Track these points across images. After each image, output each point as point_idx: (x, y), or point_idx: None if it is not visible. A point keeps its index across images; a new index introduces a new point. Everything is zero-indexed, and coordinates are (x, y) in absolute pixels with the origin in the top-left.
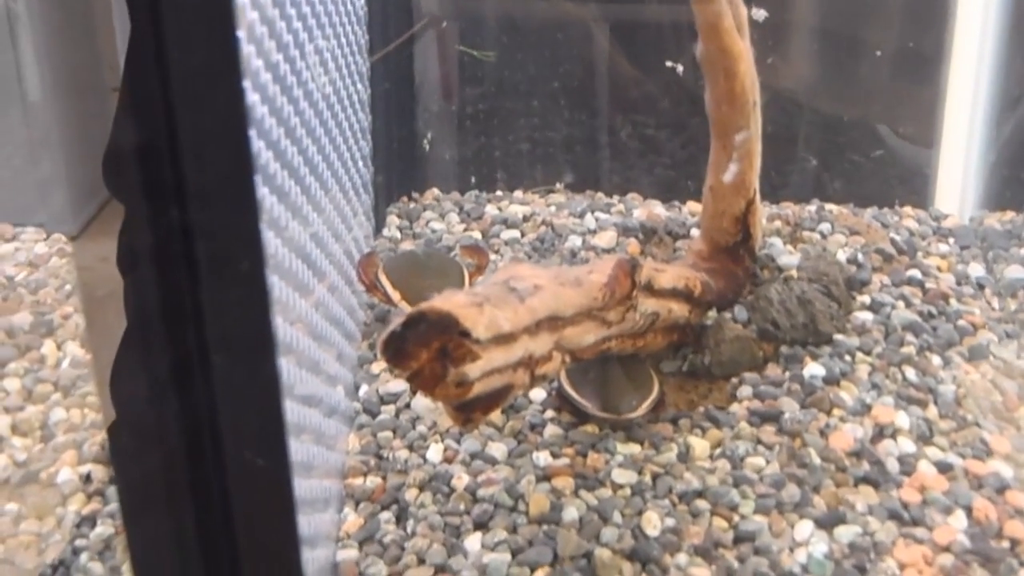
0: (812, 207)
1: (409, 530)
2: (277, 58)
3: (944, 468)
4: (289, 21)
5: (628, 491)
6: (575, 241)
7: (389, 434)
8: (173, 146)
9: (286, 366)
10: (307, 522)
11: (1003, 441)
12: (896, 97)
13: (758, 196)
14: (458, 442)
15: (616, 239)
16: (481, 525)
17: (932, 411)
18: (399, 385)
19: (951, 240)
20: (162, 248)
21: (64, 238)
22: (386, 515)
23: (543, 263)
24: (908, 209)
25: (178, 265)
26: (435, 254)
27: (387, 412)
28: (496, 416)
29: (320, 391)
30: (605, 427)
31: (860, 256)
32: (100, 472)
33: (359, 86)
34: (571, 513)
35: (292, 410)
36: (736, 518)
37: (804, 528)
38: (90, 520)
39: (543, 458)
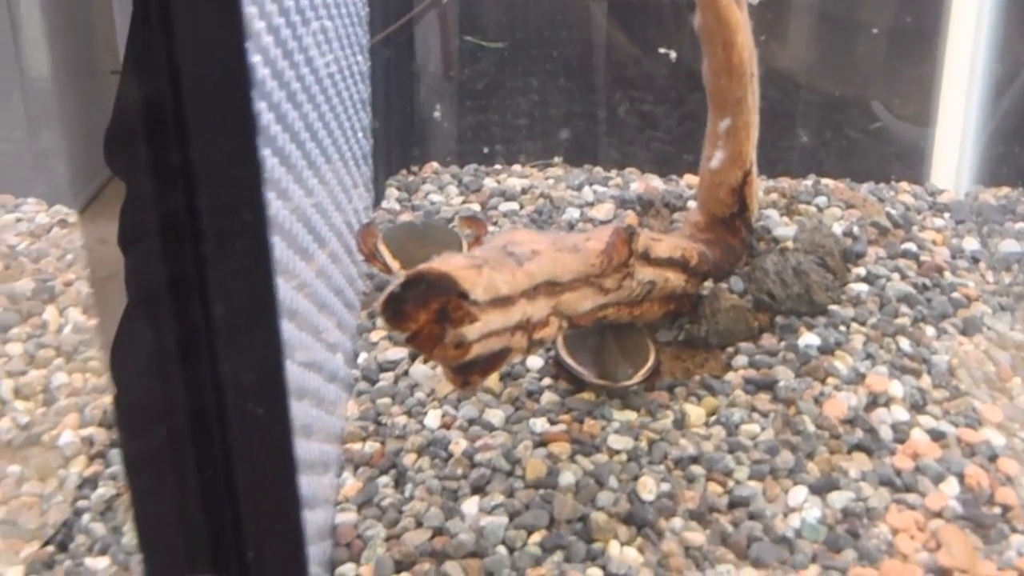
0: (809, 181)
1: (407, 494)
2: (279, 22)
3: (937, 436)
4: None
5: (624, 457)
6: (573, 213)
7: (388, 400)
8: (176, 121)
9: (288, 329)
10: (307, 484)
11: (995, 410)
12: (892, 75)
13: (755, 168)
14: (456, 408)
15: (614, 211)
16: (478, 489)
17: (925, 381)
18: (398, 353)
19: (946, 215)
20: (165, 223)
21: (66, 209)
22: (384, 479)
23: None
24: (904, 184)
25: (181, 238)
26: (434, 225)
27: (386, 379)
28: (494, 383)
29: (321, 357)
30: (602, 394)
31: (856, 229)
32: (101, 435)
33: (359, 58)
34: (567, 478)
35: (293, 373)
36: (731, 483)
37: (798, 494)
38: (91, 482)
39: (540, 424)
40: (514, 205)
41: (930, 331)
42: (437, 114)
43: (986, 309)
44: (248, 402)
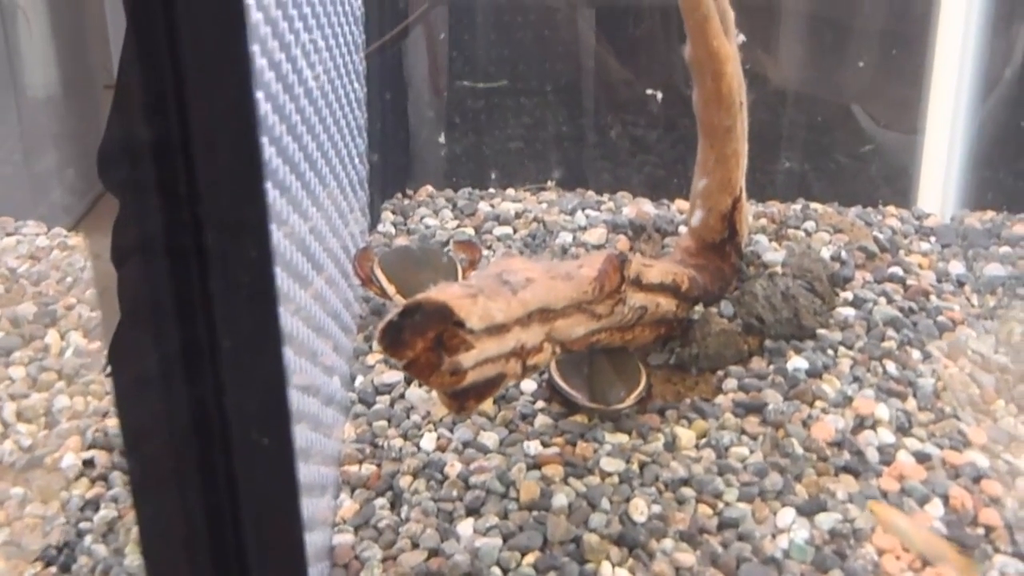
0: (797, 206)
1: (403, 515)
2: (279, 57)
3: (922, 458)
4: (291, 21)
5: (616, 479)
6: (566, 238)
7: (384, 423)
8: (171, 141)
9: (286, 353)
10: (305, 506)
11: (980, 432)
12: (879, 101)
13: (744, 194)
14: (451, 431)
15: (606, 236)
16: (473, 511)
17: (911, 403)
18: (394, 376)
19: (932, 238)
20: (160, 241)
21: (65, 231)
22: (381, 501)
23: (535, 258)
24: (891, 208)
25: (177, 257)
26: (429, 249)
27: (382, 402)
28: (488, 406)
29: (318, 380)
30: (594, 417)
31: (844, 253)
32: (103, 458)
33: (355, 84)
34: (560, 500)
35: (291, 397)
36: (720, 505)
37: (786, 515)
38: (93, 504)
39: (533, 447)
40: (508, 229)
41: (916, 354)
42: (432, 139)
43: (971, 332)
44: (252, 429)
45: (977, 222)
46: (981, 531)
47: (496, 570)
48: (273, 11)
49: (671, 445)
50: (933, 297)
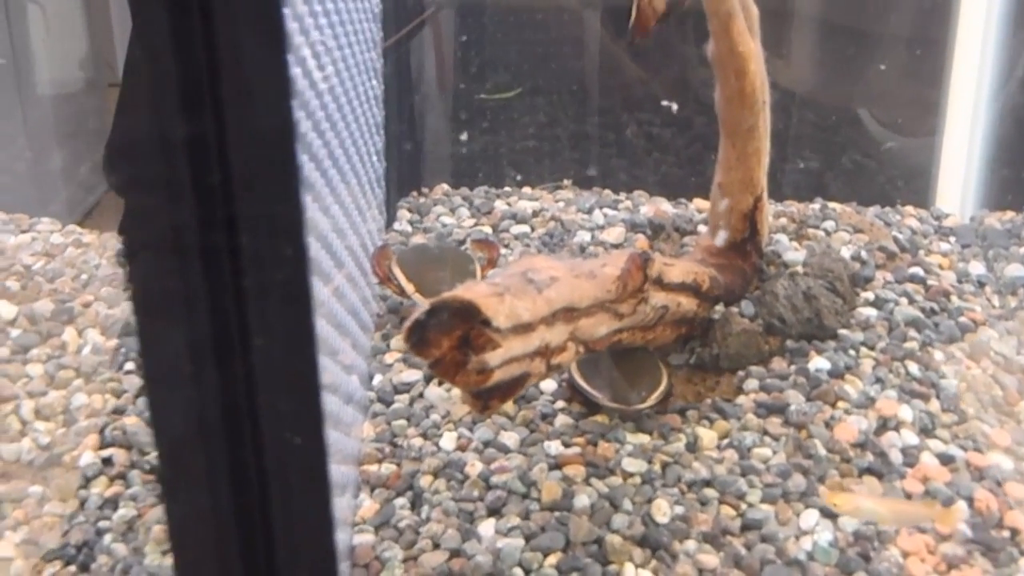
0: (816, 205)
1: (424, 515)
2: (304, 54)
3: (946, 460)
4: (316, 17)
5: (638, 479)
6: (584, 236)
7: (403, 422)
8: (205, 138)
9: None
10: None
11: (1003, 434)
12: (898, 101)
13: (765, 193)
14: (471, 430)
15: (624, 235)
16: (494, 511)
17: (934, 405)
18: (413, 375)
19: (952, 239)
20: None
21: (79, 228)
22: (401, 501)
23: (555, 257)
24: (910, 208)
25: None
26: (447, 247)
27: (401, 401)
28: (508, 406)
29: (338, 379)
30: (615, 417)
31: (864, 253)
32: (121, 456)
33: (373, 82)
34: (582, 500)
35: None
36: (743, 506)
37: (810, 517)
38: (112, 502)
39: (554, 447)
40: (525, 228)
41: (938, 355)
42: (448, 137)
43: (993, 333)
44: (285, 429)
45: (997, 222)
46: (1006, 534)
47: (518, 571)
48: (300, 7)
49: (693, 446)
50: (954, 298)
